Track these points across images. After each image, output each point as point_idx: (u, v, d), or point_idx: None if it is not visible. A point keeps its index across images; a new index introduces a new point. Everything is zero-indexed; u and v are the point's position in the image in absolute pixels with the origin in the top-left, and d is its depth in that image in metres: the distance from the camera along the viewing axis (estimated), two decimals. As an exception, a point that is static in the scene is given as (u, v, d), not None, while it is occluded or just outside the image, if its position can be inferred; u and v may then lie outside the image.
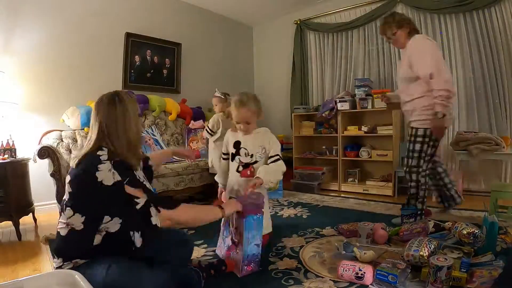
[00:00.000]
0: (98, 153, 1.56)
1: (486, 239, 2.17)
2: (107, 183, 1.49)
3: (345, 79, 5.53)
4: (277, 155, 2.51)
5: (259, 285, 1.96)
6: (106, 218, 1.54)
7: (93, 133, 1.65)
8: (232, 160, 2.60)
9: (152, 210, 1.56)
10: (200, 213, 1.83)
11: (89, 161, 1.55)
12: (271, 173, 2.40)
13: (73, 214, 1.52)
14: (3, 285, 1.21)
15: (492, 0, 4.01)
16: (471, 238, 2.11)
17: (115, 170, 1.52)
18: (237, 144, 2.57)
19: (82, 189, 1.54)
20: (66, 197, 1.58)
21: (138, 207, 1.53)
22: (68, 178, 1.59)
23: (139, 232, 1.59)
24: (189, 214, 1.74)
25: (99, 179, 1.49)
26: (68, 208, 1.54)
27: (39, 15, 3.88)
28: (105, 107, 1.65)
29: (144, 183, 1.66)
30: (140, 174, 1.71)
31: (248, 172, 2.50)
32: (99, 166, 1.51)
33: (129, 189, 1.54)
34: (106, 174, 1.50)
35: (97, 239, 1.54)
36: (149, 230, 1.58)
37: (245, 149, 2.54)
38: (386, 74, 5.11)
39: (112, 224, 1.56)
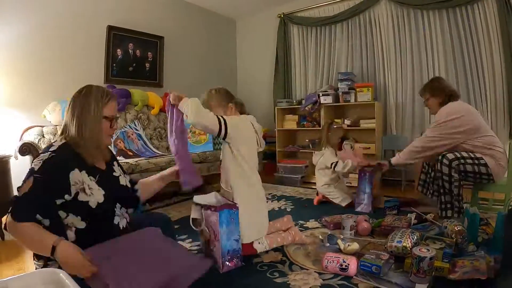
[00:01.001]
0: (53, 143, 1.59)
1: (468, 231, 2.21)
2: (32, 165, 1.50)
3: (328, 72, 5.56)
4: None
5: (244, 278, 1.97)
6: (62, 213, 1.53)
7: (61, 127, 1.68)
8: None
9: (14, 208, 1.44)
10: (32, 239, 1.42)
11: (43, 149, 1.57)
12: (195, 103, 2.20)
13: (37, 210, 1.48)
14: (-14, 284, 1.19)
15: (474, -4, 4.09)
16: (461, 236, 2.15)
17: (42, 163, 1.48)
18: None
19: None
20: None
21: (16, 194, 1.48)
22: None
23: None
24: (26, 235, 1.41)
25: (32, 165, 1.50)
26: None
27: (18, 8, 3.79)
28: (71, 100, 1.67)
29: (47, 191, 1.48)
30: (82, 177, 1.57)
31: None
32: (41, 154, 1.53)
33: (29, 181, 1.46)
34: (39, 160, 1.50)
35: (70, 235, 1.51)
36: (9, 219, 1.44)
37: None
38: (369, 68, 5.16)
39: (70, 219, 1.54)
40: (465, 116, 2.86)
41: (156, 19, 5.28)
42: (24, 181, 1.47)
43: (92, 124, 1.62)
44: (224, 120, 2.29)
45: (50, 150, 1.53)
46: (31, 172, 1.47)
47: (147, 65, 5.16)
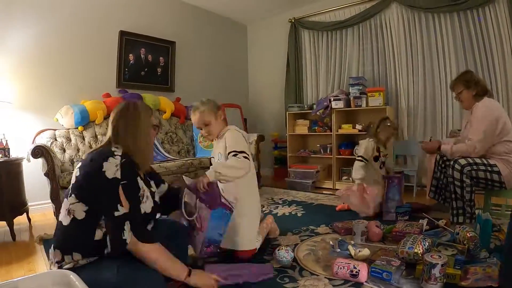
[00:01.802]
0: (113, 148, 1.59)
1: (480, 237, 2.18)
2: (108, 176, 1.49)
3: (339, 77, 5.54)
4: (233, 151, 2.32)
5: (254, 283, 1.96)
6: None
7: (108, 134, 1.71)
8: None
9: (127, 225, 1.50)
10: (166, 262, 1.61)
11: (101, 152, 1.57)
12: (220, 167, 2.19)
13: (77, 202, 1.52)
14: (-2, 285, 1.20)
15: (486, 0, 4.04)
16: (474, 243, 2.13)
17: (121, 168, 1.52)
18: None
19: (87, 176, 1.53)
20: (73, 181, 1.58)
21: (116, 214, 1.48)
22: (79, 164, 1.60)
23: (111, 238, 1.52)
24: (155, 256, 1.57)
25: (103, 169, 1.49)
26: (73, 194, 1.54)
27: (32, 13, 3.85)
28: (119, 111, 1.71)
29: (139, 199, 1.62)
30: (142, 184, 1.69)
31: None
32: (109, 158, 1.52)
33: (120, 192, 1.51)
34: (111, 167, 1.50)
35: (98, 234, 1.52)
36: (116, 242, 1.50)
37: (213, 157, 2.62)
38: (380, 72, 5.13)
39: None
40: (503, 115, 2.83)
41: (168, 25, 5.33)
42: (114, 193, 1.50)
43: (146, 134, 1.73)
44: (246, 152, 2.37)
45: (116, 154, 1.56)
46: (115, 182, 1.50)
47: (159, 70, 5.20)
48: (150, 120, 1.77)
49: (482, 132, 2.77)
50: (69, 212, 1.52)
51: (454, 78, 3.15)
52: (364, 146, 3.50)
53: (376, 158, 3.50)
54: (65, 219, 1.54)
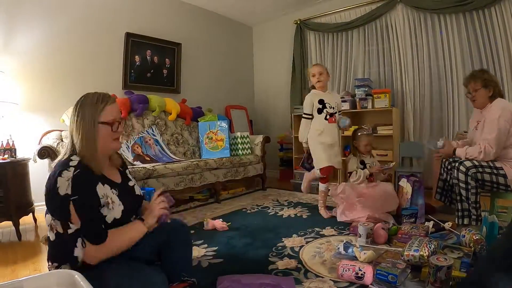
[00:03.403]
0: (71, 157, 1.55)
1: (486, 240, 2.17)
2: (60, 193, 1.45)
3: (345, 79, 5.53)
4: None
5: None
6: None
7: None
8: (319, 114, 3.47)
9: (79, 242, 1.47)
10: (123, 239, 1.59)
11: (59, 165, 1.53)
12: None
13: (52, 219, 1.52)
14: (3, 285, 1.21)
15: (492, 0, 4.01)
16: (480, 246, 2.11)
17: (71, 182, 1.46)
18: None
19: (47, 195, 1.51)
20: None
21: (69, 231, 1.47)
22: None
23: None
24: (116, 246, 1.55)
25: (57, 185, 1.46)
26: (47, 213, 1.54)
27: (39, 15, 3.88)
28: (71, 113, 1.65)
29: (93, 210, 1.54)
30: (105, 191, 1.61)
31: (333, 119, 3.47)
32: (63, 172, 1.48)
33: (71, 208, 1.46)
34: (63, 183, 1.46)
35: (79, 242, 1.53)
36: (68, 259, 1.48)
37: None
38: (386, 74, 5.12)
39: None
40: None
41: (174, 26, 5.34)
42: (66, 210, 1.46)
43: (90, 132, 1.59)
44: None
45: (71, 166, 1.50)
46: (66, 199, 1.46)
47: (165, 71, 5.21)
48: (96, 115, 1.60)
49: (497, 129, 2.74)
50: (51, 227, 1.52)
51: (471, 74, 3.08)
52: (350, 163, 3.55)
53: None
54: (50, 235, 1.54)
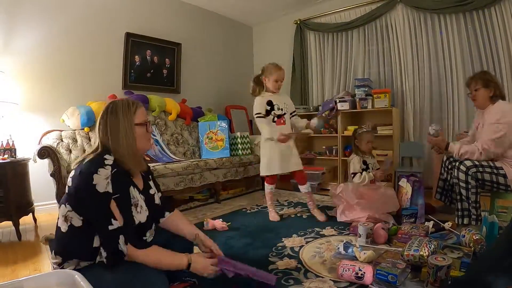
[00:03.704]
0: (105, 156, 1.57)
1: (486, 240, 2.17)
2: (99, 190, 1.47)
3: (345, 79, 5.53)
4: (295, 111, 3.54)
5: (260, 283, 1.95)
6: None
7: (97, 139, 1.69)
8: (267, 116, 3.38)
9: (121, 239, 1.49)
10: (165, 260, 1.64)
11: (93, 163, 1.54)
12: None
13: (71, 211, 1.52)
14: (3, 285, 1.21)
15: (492, 0, 4.01)
16: (480, 246, 2.11)
17: (111, 180, 1.50)
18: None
19: (78, 190, 1.52)
20: (66, 190, 1.58)
21: (110, 228, 1.48)
22: (72, 173, 1.58)
23: (105, 252, 1.51)
24: (153, 258, 1.59)
25: (94, 182, 1.47)
26: (67, 204, 1.54)
27: (39, 15, 3.88)
28: (100, 114, 1.69)
29: (132, 211, 1.60)
30: (135, 193, 1.66)
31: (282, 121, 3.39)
32: (100, 169, 1.49)
33: (113, 206, 1.50)
34: (102, 180, 1.48)
35: (97, 241, 1.52)
36: (113, 255, 1.50)
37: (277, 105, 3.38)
38: (386, 74, 5.12)
39: None
40: None
41: (174, 26, 5.34)
42: (106, 207, 1.49)
43: (126, 136, 1.64)
44: None
45: (107, 164, 1.53)
46: (107, 196, 1.49)
47: (165, 71, 5.21)
48: (131, 118, 1.68)
49: (498, 132, 2.73)
50: (66, 218, 1.53)
51: (473, 75, 3.08)
52: (353, 162, 3.48)
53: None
54: (62, 225, 1.54)
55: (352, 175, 3.45)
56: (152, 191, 1.85)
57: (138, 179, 1.77)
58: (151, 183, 1.88)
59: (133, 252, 1.52)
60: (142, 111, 1.74)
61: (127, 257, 1.51)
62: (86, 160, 1.57)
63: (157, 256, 1.61)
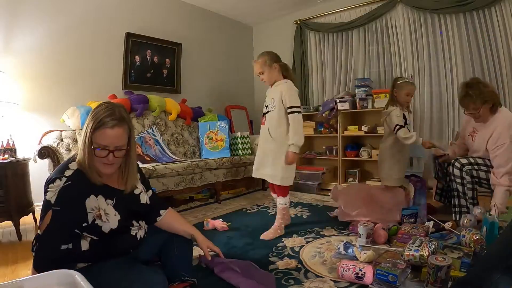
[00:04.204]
0: (69, 164, 1.57)
1: (486, 240, 2.16)
2: (46, 196, 1.49)
3: (345, 79, 5.53)
4: (292, 107, 2.86)
5: None
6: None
7: None
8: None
9: (36, 245, 1.49)
10: None
11: (56, 170, 1.56)
12: (295, 139, 2.93)
13: None
14: (3, 285, 1.21)
15: (492, 0, 4.01)
16: (480, 246, 2.11)
17: (58, 192, 1.48)
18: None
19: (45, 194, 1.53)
20: None
21: (38, 231, 1.50)
22: None
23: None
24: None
25: (48, 189, 1.49)
26: None
27: (39, 15, 3.88)
28: None
29: (65, 224, 1.51)
30: (98, 203, 1.59)
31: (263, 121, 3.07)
32: (57, 179, 1.50)
33: (47, 216, 1.47)
34: (52, 189, 1.48)
35: (84, 245, 1.54)
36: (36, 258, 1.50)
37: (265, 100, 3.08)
38: (386, 74, 5.12)
39: (86, 234, 1.58)
40: None
41: (174, 26, 5.34)
42: (42, 217, 1.48)
43: (84, 148, 1.56)
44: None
45: (65, 175, 1.51)
46: (48, 205, 1.47)
47: (165, 71, 5.21)
48: (89, 135, 1.53)
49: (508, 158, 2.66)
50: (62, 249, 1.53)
51: (466, 94, 2.80)
52: (395, 114, 3.11)
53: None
54: None
55: (397, 127, 3.07)
56: (137, 191, 1.80)
57: (115, 180, 1.71)
58: (138, 183, 1.84)
59: (43, 264, 1.45)
60: (108, 134, 1.53)
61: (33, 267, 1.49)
62: (60, 164, 1.61)
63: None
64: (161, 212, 1.93)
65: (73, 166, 1.55)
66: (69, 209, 1.49)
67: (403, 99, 3.16)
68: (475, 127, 2.99)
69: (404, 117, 3.12)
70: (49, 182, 1.50)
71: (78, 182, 1.53)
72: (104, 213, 1.58)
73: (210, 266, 2.03)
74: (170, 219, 1.95)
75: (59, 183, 1.48)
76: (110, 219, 1.59)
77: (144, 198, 1.83)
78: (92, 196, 1.57)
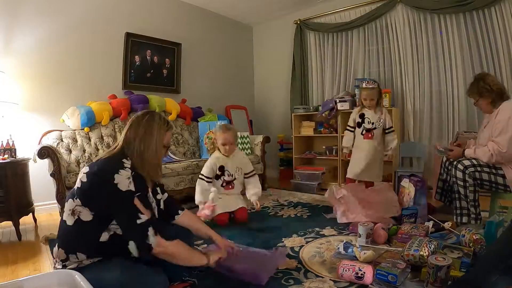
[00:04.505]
0: (123, 160, 1.61)
1: (486, 240, 2.16)
2: (121, 188, 1.52)
3: (345, 79, 5.53)
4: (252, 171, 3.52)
5: (259, 285, 1.95)
6: (114, 221, 1.57)
7: (119, 142, 1.72)
8: (217, 179, 3.43)
9: (151, 230, 1.54)
10: (188, 254, 1.73)
11: (112, 163, 1.59)
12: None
13: (81, 206, 1.54)
14: (3, 285, 1.21)
15: (492, 0, 4.01)
16: (480, 245, 2.12)
17: (133, 180, 1.56)
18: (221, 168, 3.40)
19: (96, 187, 1.54)
20: (78, 185, 1.59)
21: (138, 221, 1.52)
22: (86, 169, 1.60)
23: (136, 245, 1.57)
24: (180, 250, 1.67)
25: (115, 181, 1.51)
26: (78, 199, 1.56)
27: (39, 15, 3.88)
28: (133, 118, 1.74)
29: (153, 207, 1.71)
30: (150, 195, 1.76)
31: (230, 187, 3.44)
32: (121, 170, 1.55)
33: (137, 202, 1.56)
34: (123, 180, 1.53)
35: (104, 236, 1.55)
36: (143, 247, 1.55)
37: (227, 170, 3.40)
38: (386, 74, 5.11)
39: (113, 226, 1.57)
40: None
41: (174, 26, 5.34)
42: (131, 204, 1.55)
43: (154, 147, 1.71)
44: None
45: (126, 167, 1.58)
46: (130, 195, 1.54)
47: (165, 71, 5.21)
48: (162, 137, 1.76)
49: (511, 131, 2.68)
50: (73, 212, 1.54)
51: (470, 86, 3.05)
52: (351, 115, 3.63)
53: (358, 125, 3.72)
54: (69, 219, 1.55)
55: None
56: (159, 197, 1.89)
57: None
58: (158, 188, 1.92)
59: (163, 243, 1.57)
60: (171, 135, 1.85)
61: (157, 248, 1.55)
62: (102, 159, 1.63)
63: (183, 251, 1.68)
64: (179, 212, 2.06)
65: (127, 162, 1.62)
66: (146, 194, 1.67)
67: (363, 102, 3.73)
68: (487, 121, 3.03)
69: (362, 116, 3.72)
70: (111, 172, 1.54)
71: (140, 174, 1.66)
72: (153, 206, 1.74)
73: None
74: (189, 219, 2.10)
75: (127, 173, 1.56)
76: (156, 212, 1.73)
77: (162, 204, 1.93)
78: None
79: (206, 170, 3.41)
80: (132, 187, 1.54)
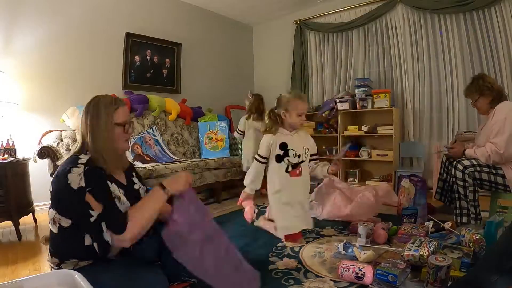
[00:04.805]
0: (80, 156, 1.57)
1: (486, 240, 2.16)
2: (73, 186, 1.47)
3: (345, 79, 5.53)
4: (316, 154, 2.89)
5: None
6: None
7: (79, 139, 1.69)
8: (279, 162, 2.68)
9: (103, 225, 1.49)
10: (147, 209, 1.60)
11: (65, 164, 1.55)
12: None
13: (57, 214, 1.53)
14: (3, 285, 1.21)
15: (492, 0, 4.01)
16: (480, 245, 2.12)
17: (84, 176, 1.49)
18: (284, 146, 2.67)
19: (58, 193, 1.53)
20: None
21: (91, 219, 1.48)
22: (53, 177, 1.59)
23: (96, 243, 1.52)
24: (139, 221, 1.55)
25: (68, 181, 1.48)
26: (51, 208, 1.55)
27: (39, 15, 3.88)
28: (83, 112, 1.67)
29: (113, 199, 1.57)
30: (113, 188, 1.62)
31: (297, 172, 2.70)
32: (73, 168, 1.50)
33: (89, 197, 1.49)
34: (75, 178, 1.48)
35: (88, 240, 1.52)
36: (101, 245, 1.51)
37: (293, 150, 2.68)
38: (386, 74, 5.12)
39: None
40: None
41: (174, 26, 5.34)
42: (83, 202, 1.48)
43: (105, 132, 1.63)
44: None
45: (80, 164, 1.53)
46: (82, 191, 1.48)
47: (165, 71, 5.21)
48: (111, 116, 1.65)
49: (507, 131, 2.68)
50: (54, 221, 1.54)
51: (467, 86, 3.07)
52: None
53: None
54: (53, 227, 1.56)
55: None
56: (136, 186, 1.84)
57: (119, 175, 1.75)
58: (134, 179, 1.87)
59: (120, 237, 1.49)
60: (124, 111, 1.72)
61: (115, 242, 1.49)
62: (63, 162, 1.60)
63: (142, 211, 1.58)
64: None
65: (83, 156, 1.57)
66: (101, 186, 1.55)
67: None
68: (484, 121, 3.04)
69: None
70: (65, 172, 1.50)
71: (96, 167, 1.56)
72: (119, 198, 1.61)
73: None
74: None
75: (79, 170, 1.50)
76: (122, 206, 1.61)
77: (143, 193, 1.86)
78: (108, 181, 1.61)
79: (263, 149, 2.71)
80: (82, 183, 1.48)
